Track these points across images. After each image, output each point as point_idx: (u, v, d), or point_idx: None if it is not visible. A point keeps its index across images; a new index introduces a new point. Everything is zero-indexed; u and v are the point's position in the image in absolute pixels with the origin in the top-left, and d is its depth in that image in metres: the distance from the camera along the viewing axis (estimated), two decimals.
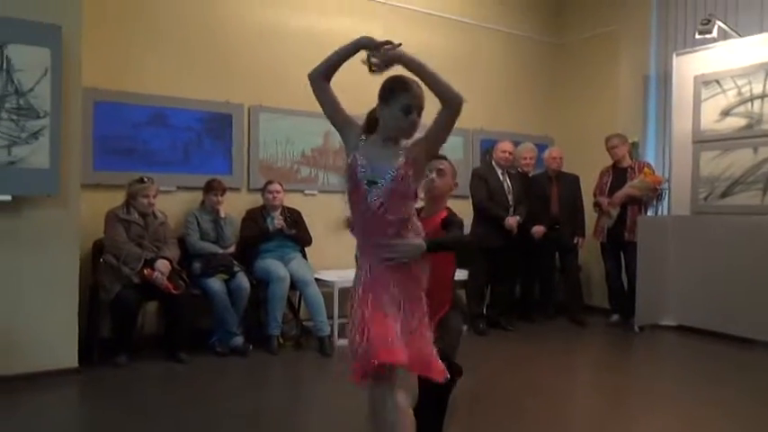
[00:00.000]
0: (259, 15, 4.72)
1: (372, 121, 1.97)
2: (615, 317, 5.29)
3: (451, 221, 2.36)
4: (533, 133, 6.15)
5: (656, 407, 3.20)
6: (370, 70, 1.94)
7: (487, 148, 5.60)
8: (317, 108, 5.39)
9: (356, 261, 2.02)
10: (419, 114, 1.87)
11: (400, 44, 1.94)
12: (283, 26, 4.83)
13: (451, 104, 1.87)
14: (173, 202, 4.29)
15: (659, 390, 3.52)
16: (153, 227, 3.89)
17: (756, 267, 4.51)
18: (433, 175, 2.45)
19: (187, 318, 3.87)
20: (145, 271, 3.68)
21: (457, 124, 4.16)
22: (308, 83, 2.06)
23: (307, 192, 4.94)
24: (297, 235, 4.48)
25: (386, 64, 1.91)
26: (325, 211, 4.92)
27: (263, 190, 4.48)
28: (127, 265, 3.67)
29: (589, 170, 5.46)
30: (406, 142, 1.90)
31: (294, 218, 4.53)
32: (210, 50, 4.51)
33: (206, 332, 4.06)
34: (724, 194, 4.86)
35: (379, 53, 1.93)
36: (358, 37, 1.99)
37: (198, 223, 4.18)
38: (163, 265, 3.74)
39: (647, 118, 5.93)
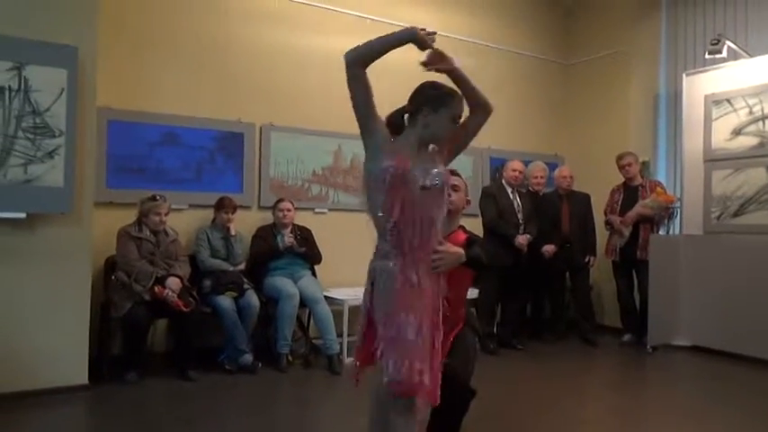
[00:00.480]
0: (270, 36, 4.80)
1: (399, 123, 1.98)
2: (627, 336, 5.23)
3: (475, 240, 2.33)
4: (544, 152, 6.16)
5: (669, 428, 3.15)
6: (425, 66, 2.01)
7: (497, 166, 5.61)
8: (328, 127, 5.47)
9: (370, 274, 1.99)
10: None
11: (435, 33, 2.05)
12: (293, 47, 4.90)
13: (486, 111, 1.99)
14: (185, 220, 4.33)
15: (672, 411, 3.46)
16: (164, 244, 3.92)
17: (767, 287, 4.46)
18: (449, 191, 2.43)
19: (196, 335, 3.88)
20: (156, 288, 3.70)
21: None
22: (345, 67, 1.99)
23: (317, 210, 4.97)
24: (307, 253, 4.49)
25: (438, 69, 1.98)
26: (335, 229, 4.94)
27: (274, 208, 4.51)
28: (138, 283, 3.70)
29: (600, 189, 5.44)
30: (432, 147, 1.94)
31: (304, 236, 4.55)
32: (222, 70, 4.58)
33: (215, 350, 4.06)
34: (737, 213, 4.82)
35: (430, 52, 2.02)
36: (405, 27, 2.02)
37: (209, 241, 4.21)
38: (174, 283, 3.76)
39: (657, 137, 5.93)
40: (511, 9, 6.11)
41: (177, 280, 3.80)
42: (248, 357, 3.97)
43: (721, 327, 4.75)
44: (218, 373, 3.91)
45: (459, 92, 1.95)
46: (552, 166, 5.69)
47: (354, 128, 5.41)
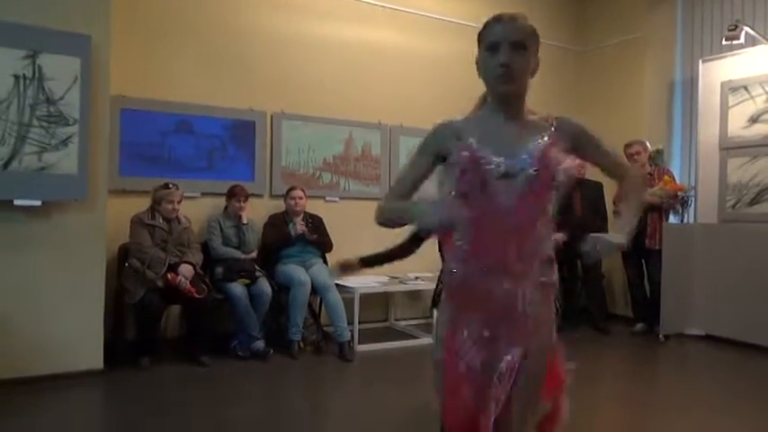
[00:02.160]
0: (280, 25, 4.79)
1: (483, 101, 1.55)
2: (640, 325, 5.20)
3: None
4: None
5: (682, 418, 3.14)
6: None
7: None
8: (338, 115, 5.49)
9: (434, 306, 1.64)
10: (518, 48, 1.40)
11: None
12: (304, 35, 4.89)
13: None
14: (197, 208, 4.36)
15: (685, 401, 3.45)
16: (177, 232, 3.96)
17: None
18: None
19: (209, 322, 3.92)
20: (168, 275, 3.74)
21: None
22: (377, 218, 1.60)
23: (328, 198, 4.98)
24: (318, 240, 4.51)
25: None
26: (346, 218, 4.95)
27: (286, 196, 4.53)
28: (151, 269, 3.74)
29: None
30: (548, 117, 1.51)
31: (315, 224, 4.56)
32: (234, 59, 4.59)
33: (228, 336, 4.10)
34: (753, 202, 4.77)
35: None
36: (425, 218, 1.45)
37: (221, 229, 4.24)
38: (186, 270, 3.80)
39: (672, 125, 5.86)
40: None
41: (189, 267, 3.84)
42: (260, 344, 4.01)
43: (735, 316, 4.71)
44: (230, 359, 3.96)
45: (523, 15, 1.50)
46: None
47: (365, 116, 5.46)
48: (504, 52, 1.41)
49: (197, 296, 3.77)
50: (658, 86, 5.85)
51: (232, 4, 4.59)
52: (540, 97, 6.40)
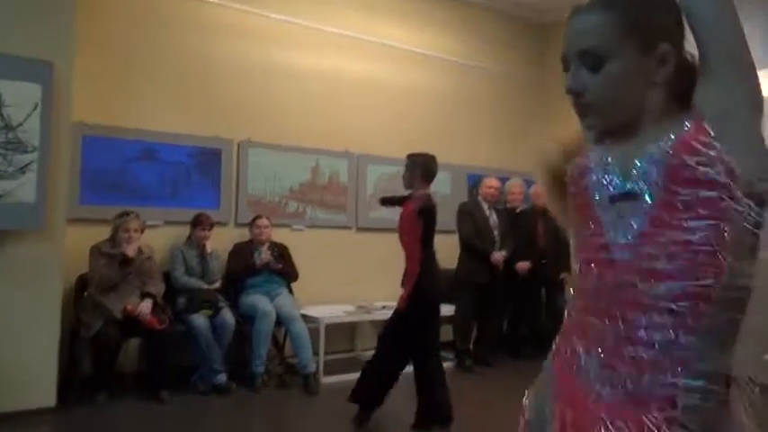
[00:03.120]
0: (249, 53, 4.80)
1: None
2: None
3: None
4: (520, 169, 6.23)
5: None
6: None
7: (474, 183, 5.66)
8: (305, 143, 5.48)
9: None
10: (592, 60, 0.93)
11: None
12: (272, 63, 4.90)
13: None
14: (160, 237, 4.27)
15: None
16: (138, 261, 3.86)
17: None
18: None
19: (169, 355, 3.81)
20: (128, 306, 3.63)
21: (443, 160, 4.26)
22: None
23: (294, 227, 4.95)
24: (283, 270, 4.46)
25: None
26: (312, 247, 4.93)
27: (251, 225, 4.48)
28: (110, 301, 3.63)
29: None
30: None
31: (281, 252, 4.52)
32: (201, 87, 4.56)
33: (188, 370, 3.99)
34: None
35: None
36: None
37: (183, 258, 4.16)
38: (146, 302, 3.71)
39: None
40: (487, 29, 6.20)
41: (150, 299, 3.74)
42: (222, 377, 3.91)
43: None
44: (190, 393, 3.85)
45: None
46: (529, 184, 5.76)
47: (332, 144, 5.48)
48: (571, 71, 0.97)
49: (158, 327, 3.67)
50: None
51: (200, 32, 4.57)
52: (504, 127, 6.52)
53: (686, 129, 0.87)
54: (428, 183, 3.40)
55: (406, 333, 3.22)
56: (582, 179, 0.99)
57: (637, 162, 0.90)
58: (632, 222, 0.89)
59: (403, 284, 3.28)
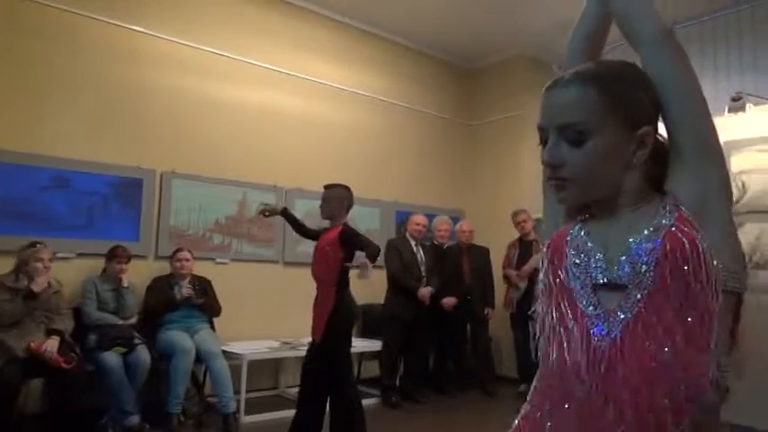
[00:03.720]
0: (177, 83, 4.73)
1: None
2: (524, 386, 5.39)
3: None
4: (446, 207, 6.40)
5: None
6: None
7: (402, 220, 5.75)
8: (233, 176, 5.40)
9: None
10: (572, 134, 0.92)
11: None
12: (201, 95, 4.85)
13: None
14: (72, 270, 4.04)
15: None
16: (45, 296, 3.63)
17: None
18: (321, 203, 3.40)
19: (76, 396, 3.55)
20: (32, 344, 3.39)
21: (373, 196, 4.35)
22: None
23: (218, 260, 4.82)
24: (205, 304, 4.32)
25: None
26: (236, 281, 4.81)
27: (172, 258, 4.33)
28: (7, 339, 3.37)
29: (499, 243, 5.71)
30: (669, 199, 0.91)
31: (203, 287, 4.38)
32: (124, 115, 4.43)
33: (98, 411, 3.73)
34: None
35: None
36: None
37: (97, 292, 3.94)
38: (52, 340, 3.47)
39: None
40: (417, 70, 6.42)
41: (56, 336, 3.51)
42: (134, 419, 3.69)
43: None
44: None
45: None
46: (455, 221, 5.91)
47: (261, 177, 5.46)
48: (549, 144, 0.95)
49: (65, 366, 3.43)
50: (536, 159, 6.33)
51: (127, 59, 4.47)
52: (432, 166, 6.72)
53: (671, 220, 0.87)
54: (347, 214, 3.51)
55: (324, 364, 3.22)
56: (558, 260, 0.95)
57: (622, 252, 0.88)
58: (619, 313, 0.86)
59: (315, 315, 3.37)
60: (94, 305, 3.90)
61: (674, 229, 0.86)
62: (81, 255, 4.14)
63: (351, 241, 3.34)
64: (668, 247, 0.84)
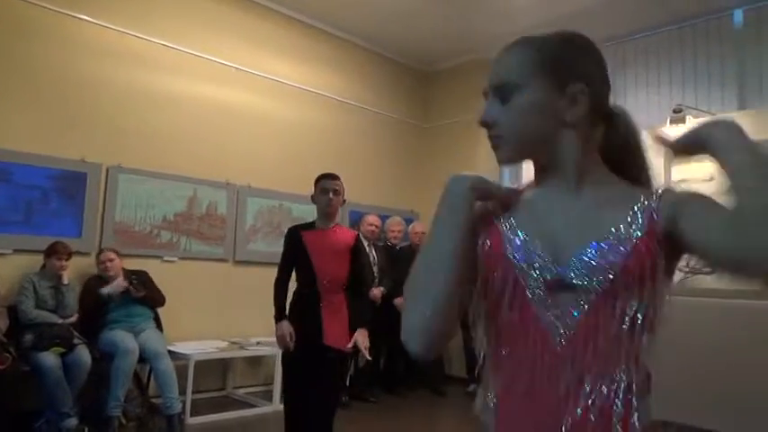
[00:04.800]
0: (126, 74, 4.58)
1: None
2: (473, 386, 5.48)
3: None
4: (400, 207, 6.43)
5: None
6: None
7: (356, 220, 5.74)
8: (183, 172, 5.29)
9: None
10: (505, 93, 0.92)
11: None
12: (151, 88, 4.71)
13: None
14: (7, 267, 3.87)
15: None
16: None
17: None
18: (330, 195, 2.87)
19: (10, 397, 3.41)
20: None
21: None
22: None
23: (166, 258, 4.70)
24: (146, 296, 4.13)
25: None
26: (184, 279, 4.71)
27: (96, 260, 4.13)
28: None
29: None
30: (656, 188, 0.93)
31: (141, 279, 4.20)
32: (69, 106, 4.27)
33: (34, 414, 3.58)
34: None
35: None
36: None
37: (35, 289, 3.78)
38: None
39: None
40: (372, 71, 6.44)
41: None
42: (72, 421, 3.55)
43: None
44: None
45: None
46: (409, 221, 5.95)
47: (212, 174, 5.34)
48: (486, 104, 0.95)
49: None
50: (490, 162, 6.44)
51: (72, 49, 4.30)
52: (386, 167, 6.76)
53: (641, 232, 0.85)
54: None
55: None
56: (499, 254, 0.91)
57: (578, 249, 0.86)
58: (572, 311, 0.86)
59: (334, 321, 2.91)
60: (32, 303, 3.74)
61: (641, 245, 0.84)
62: (18, 251, 3.96)
63: (359, 261, 3.02)
64: (631, 264, 0.83)
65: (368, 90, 6.33)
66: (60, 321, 3.78)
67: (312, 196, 3.03)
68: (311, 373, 2.81)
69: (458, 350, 5.86)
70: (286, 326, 2.88)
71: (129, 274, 4.16)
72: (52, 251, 3.87)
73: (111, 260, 4.09)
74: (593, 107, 0.91)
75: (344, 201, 3.05)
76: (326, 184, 2.97)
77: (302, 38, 5.77)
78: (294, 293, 3.01)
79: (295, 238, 2.96)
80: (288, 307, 2.97)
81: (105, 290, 3.98)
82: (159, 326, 4.29)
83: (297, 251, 2.95)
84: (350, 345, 2.88)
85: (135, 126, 4.58)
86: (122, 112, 4.53)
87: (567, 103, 0.90)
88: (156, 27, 4.72)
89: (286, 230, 3.09)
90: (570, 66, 0.91)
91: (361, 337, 2.91)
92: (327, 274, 2.91)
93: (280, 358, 4.56)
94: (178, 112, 4.84)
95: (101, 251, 4.15)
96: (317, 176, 3.06)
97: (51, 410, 3.54)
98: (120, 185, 4.47)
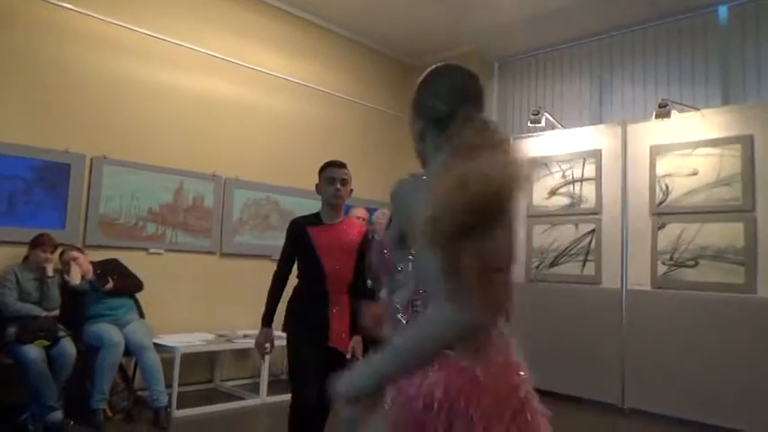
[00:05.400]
0: (111, 64, 4.52)
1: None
2: None
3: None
4: (387, 200, 6.42)
5: None
6: None
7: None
8: (169, 164, 5.24)
9: None
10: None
11: None
12: (137, 79, 4.66)
13: None
14: None
15: None
16: None
17: (575, 330, 5.03)
18: (338, 185, 2.69)
19: None
20: None
21: (313, 187, 4.20)
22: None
23: (152, 250, 4.66)
24: (117, 286, 4.04)
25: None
26: (170, 271, 4.69)
27: (60, 259, 4.00)
28: None
29: None
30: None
31: (110, 268, 4.14)
32: (52, 95, 4.20)
33: (18, 407, 3.55)
34: (552, 264, 5.41)
35: None
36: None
37: (17, 281, 3.73)
38: None
39: None
40: (361, 64, 6.41)
41: None
42: (57, 415, 3.52)
43: (536, 366, 5.19)
44: None
45: None
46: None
47: (198, 166, 5.27)
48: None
49: None
50: None
51: (56, 37, 4.23)
52: (369, 157, 6.74)
53: None
54: None
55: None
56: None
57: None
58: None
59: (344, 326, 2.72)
60: (15, 295, 3.70)
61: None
62: (0, 242, 3.91)
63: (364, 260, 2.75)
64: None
65: (355, 82, 6.31)
66: (44, 314, 3.74)
67: (316, 186, 2.78)
68: (320, 374, 2.49)
69: None
70: (268, 334, 2.71)
71: (96, 266, 4.10)
72: (37, 243, 3.82)
73: (74, 258, 3.97)
74: (429, 121, 1.41)
75: (352, 191, 2.80)
76: (333, 173, 2.71)
77: (289, 29, 5.73)
78: (297, 289, 2.78)
79: (299, 232, 2.72)
80: (288, 303, 2.78)
81: (70, 282, 3.90)
82: (141, 314, 4.25)
83: (302, 246, 2.71)
84: (349, 354, 2.68)
85: (120, 117, 4.53)
86: (107, 103, 4.47)
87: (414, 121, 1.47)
88: (141, 17, 4.66)
89: (288, 222, 2.83)
90: (413, 102, 1.46)
91: (358, 346, 2.70)
92: (336, 273, 2.71)
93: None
94: (164, 103, 4.79)
95: (63, 252, 3.99)
96: (322, 164, 2.80)
97: (36, 404, 3.51)
98: (105, 177, 4.42)
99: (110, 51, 4.51)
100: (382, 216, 5.68)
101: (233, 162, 5.19)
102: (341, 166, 2.76)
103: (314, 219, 2.79)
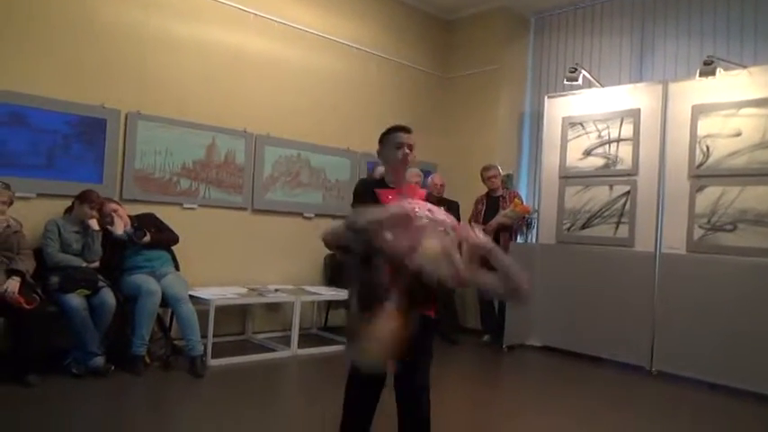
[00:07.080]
0: (146, 21, 4.52)
1: None
2: (486, 337, 5.58)
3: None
4: (418, 159, 6.37)
5: (519, 416, 3.41)
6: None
7: (372, 170, 5.72)
8: (201, 120, 5.26)
9: None
10: None
11: None
12: (170, 35, 4.65)
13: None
14: (31, 210, 3.93)
15: (523, 401, 3.84)
16: (4, 236, 3.53)
17: (606, 294, 4.99)
18: (405, 149, 2.49)
19: (39, 336, 3.53)
20: None
21: (344, 145, 4.04)
22: None
23: (186, 205, 4.75)
24: (155, 239, 4.17)
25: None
26: (204, 226, 4.78)
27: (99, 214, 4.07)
28: None
29: (470, 197, 5.76)
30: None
31: (149, 221, 4.26)
32: (88, 51, 4.23)
33: (62, 352, 3.72)
34: (584, 226, 5.33)
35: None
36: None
37: (59, 233, 3.85)
38: (12, 280, 3.41)
39: (521, 152, 6.42)
40: (393, 19, 6.27)
41: (17, 277, 3.44)
42: (99, 360, 3.69)
43: (566, 328, 5.23)
44: (63, 377, 3.59)
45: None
46: (427, 174, 5.92)
47: (230, 122, 5.31)
48: None
49: (26, 307, 3.39)
50: (510, 116, 6.38)
51: None
52: (405, 117, 6.66)
53: None
54: None
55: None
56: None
57: None
58: None
59: None
60: (57, 246, 3.82)
61: None
62: (41, 195, 4.02)
63: None
64: None
65: (389, 39, 6.19)
66: (85, 265, 3.87)
67: (378, 152, 2.69)
68: None
69: (473, 303, 5.93)
70: None
71: (133, 219, 4.21)
72: (85, 198, 3.90)
73: (115, 210, 4.10)
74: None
75: (415, 156, 2.68)
76: (401, 138, 2.62)
77: None
78: None
79: (369, 193, 2.62)
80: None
81: (114, 232, 4.04)
82: (177, 267, 4.37)
83: (371, 205, 2.53)
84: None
85: (153, 73, 4.55)
86: (141, 59, 4.49)
87: None
88: None
89: (357, 181, 2.85)
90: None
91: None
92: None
93: (298, 306, 4.66)
94: (197, 59, 4.79)
95: (101, 206, 4.05)
96: (385, 130, 2.71)
97: (79, 349, 3.67)
98: (140, 132, 4.48)
99: (144, 7, 4.50)
100: (413, 175, 5.66)
101: (264, 119, 5.20)
102: (408, 131, 2.67)
103: (380, 182, 2.71)
